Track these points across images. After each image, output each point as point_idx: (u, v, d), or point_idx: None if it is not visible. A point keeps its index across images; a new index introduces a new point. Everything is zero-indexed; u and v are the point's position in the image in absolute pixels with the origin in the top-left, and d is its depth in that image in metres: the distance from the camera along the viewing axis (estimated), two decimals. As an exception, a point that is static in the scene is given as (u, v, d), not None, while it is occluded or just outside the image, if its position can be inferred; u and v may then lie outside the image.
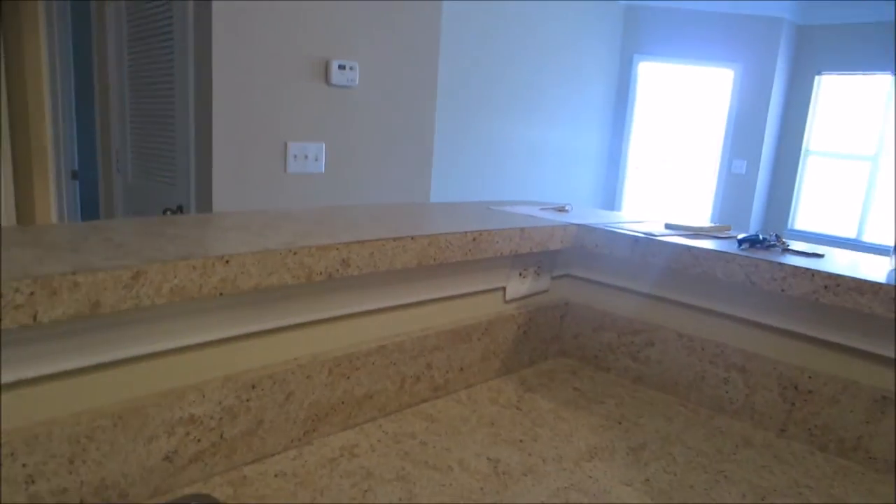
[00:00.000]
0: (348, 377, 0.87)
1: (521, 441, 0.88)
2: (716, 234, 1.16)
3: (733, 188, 6.65)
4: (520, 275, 1.13)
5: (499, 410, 0.98)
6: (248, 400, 0.76)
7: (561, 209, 1.35)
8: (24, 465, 0.61)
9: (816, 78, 6.44)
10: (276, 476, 0.75)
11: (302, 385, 0.81)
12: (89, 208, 4.06)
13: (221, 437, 0.75)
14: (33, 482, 0.62)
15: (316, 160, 2.38)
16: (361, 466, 0.79)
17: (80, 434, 0.64)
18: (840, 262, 0.97)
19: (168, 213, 2.33)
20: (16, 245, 0.70)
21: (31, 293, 0.57)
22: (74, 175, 3.84)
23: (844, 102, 6.37)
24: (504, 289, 1.12)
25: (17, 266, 0.61)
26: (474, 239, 0.96)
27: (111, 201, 2.87)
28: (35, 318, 0.58)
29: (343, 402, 0.87)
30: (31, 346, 0.62)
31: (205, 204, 2.20)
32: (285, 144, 2.29)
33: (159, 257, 0.67)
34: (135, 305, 0.64)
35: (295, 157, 2.31)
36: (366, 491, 0.74)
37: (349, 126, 2.47)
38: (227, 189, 2.18)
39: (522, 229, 1.04)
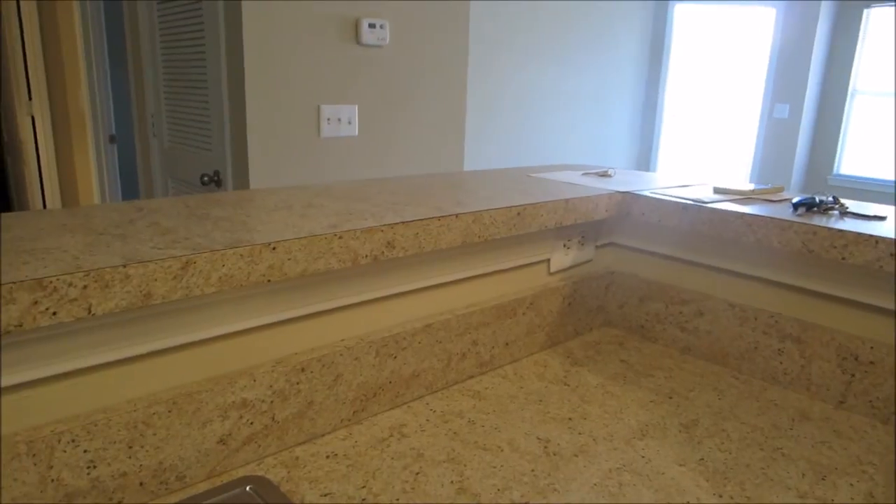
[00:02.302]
0: (395, 357, 0.86)
1: (570, 419, 0.87)
2: (768, 198, 1.11)
3: (775, 134, 6.40)
4: (564, 246, 1.11)
5: (546, 386, 0.97)
6: (297, 383, 0.76)
7: (604, 174, 1.31)
8: (85, 451, 0.62)
9: (865, 11, 6.04)
10: (327, 457, 0.76)
11: (350, 366, 0.81)
12: (128, 171, 4.11)
13: (273, 419, 0.75)
14: (95, 467, 0.63)
15: (349, 123, 2.35)
16: (412, 447, 0.79)
17: (137, 420, 0.65)
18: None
19: (205, 179, 2.34)
20: (65, 231, 0.70)
21: (85, 287, 0.57)
22: (112, 139, 3.88)
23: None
24: (548, 261, 1.10)
25: (70, 256, 0.61)
26: (518, 214, 0.94)
27: (148, 165, 2.90)
28: (90, 310, 0.58)
29: (391, 382, 0.87)
30: (86, 336, 0.63)
31: (241, 169, 2.20)
32: (318, 107, 2.26)
33: (207, 245, 0.66)
34: (185, 295, 0.64)
35: (328, 120, 2.29)
36: (417, 473, 0.74)
37: (381, 87, 2.43)
38: (263, 155, 2.18)
39: (567, 200, 1.01)
